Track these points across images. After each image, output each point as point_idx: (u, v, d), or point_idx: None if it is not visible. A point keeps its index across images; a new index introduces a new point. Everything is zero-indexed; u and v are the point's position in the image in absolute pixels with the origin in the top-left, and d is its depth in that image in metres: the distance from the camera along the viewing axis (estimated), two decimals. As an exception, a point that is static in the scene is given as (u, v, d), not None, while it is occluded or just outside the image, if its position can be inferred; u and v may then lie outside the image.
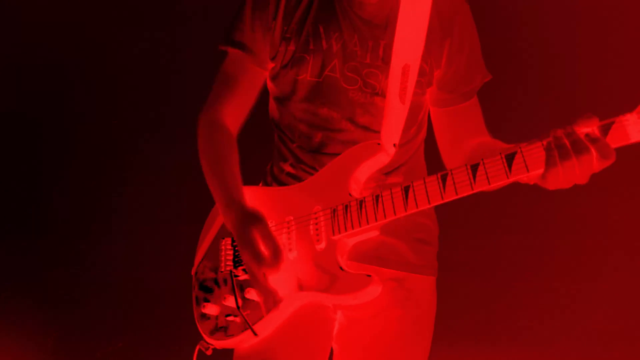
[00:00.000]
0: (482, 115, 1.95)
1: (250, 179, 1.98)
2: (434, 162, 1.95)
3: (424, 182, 1.62)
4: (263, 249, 1.66)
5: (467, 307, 3.02)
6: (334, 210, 1.75)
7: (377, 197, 1.69)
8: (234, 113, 1.97)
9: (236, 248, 1.87)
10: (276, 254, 1.65)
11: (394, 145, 1.82)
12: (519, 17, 2.99)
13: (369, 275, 1.68)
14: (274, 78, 1.96)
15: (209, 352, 1.86)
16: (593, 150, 1.41)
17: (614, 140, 1.40)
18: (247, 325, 1.76)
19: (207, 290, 1.88)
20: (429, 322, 1.99)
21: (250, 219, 1.70)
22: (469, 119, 1.93)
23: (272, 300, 1.73)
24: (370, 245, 1.87)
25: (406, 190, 1.64)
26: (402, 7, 1.82)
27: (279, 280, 1.71)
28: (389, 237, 1.90)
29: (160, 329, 3.25)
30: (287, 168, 1.98)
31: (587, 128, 1.43)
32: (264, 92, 2.04)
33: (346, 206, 1.73)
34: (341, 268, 1.70)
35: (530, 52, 2.99)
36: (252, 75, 1.96)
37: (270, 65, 1.95)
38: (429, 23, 1.81)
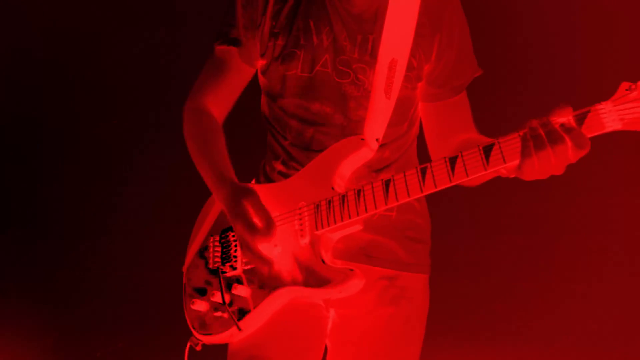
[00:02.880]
0: (471, 112, 1.94)
1: (244, 178, 1.97)
2: (426, 159, 1.94)
3: (404, 175, 1.62)
4: (256, 219, 1.69)
5: (466, 307, 3.01)
6: (317, 206, 1.75)
7: (359, 191, 1.70)
8: (217, 104, 1.99)
9: (224, 245, 1.88)
10: (269, 223, 1.68)
11: (377, 140, 1.82)
12: (515, 12, 2.98)
13: (352, 270, 1.68)
14: (264, 73, 1.96)
15: (198, 348, 1.88)
16: (568, 140, 1.41)
17: (590, 130, 1.40)
18: (232, 321, 1.77)
19: (197, 287, 1.90)
20: (421, 320, 1.99)
21: (242, 192, 1.73)
22: (457, 114, 1.93)
23: (267, 268, 1.74)
24: (360, 243, 1.88)
25: (387, 183, 1.65)
26: (390, 2, 1.82)
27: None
28: (379, 235, 1.90)
29: (160, 328, 3.24)
30: (279, 167, 1.98)
31: (563, 118, 1.43)
32: (258, 89, 2.04)
33: (329, 201, 1.74)
34: (323, 261, 1.71)
35: (526, 48, 2.98)
36: (239, 72, 1.98)
37: (261, 62, 1.95)
38: (417, 18, 1.81)
